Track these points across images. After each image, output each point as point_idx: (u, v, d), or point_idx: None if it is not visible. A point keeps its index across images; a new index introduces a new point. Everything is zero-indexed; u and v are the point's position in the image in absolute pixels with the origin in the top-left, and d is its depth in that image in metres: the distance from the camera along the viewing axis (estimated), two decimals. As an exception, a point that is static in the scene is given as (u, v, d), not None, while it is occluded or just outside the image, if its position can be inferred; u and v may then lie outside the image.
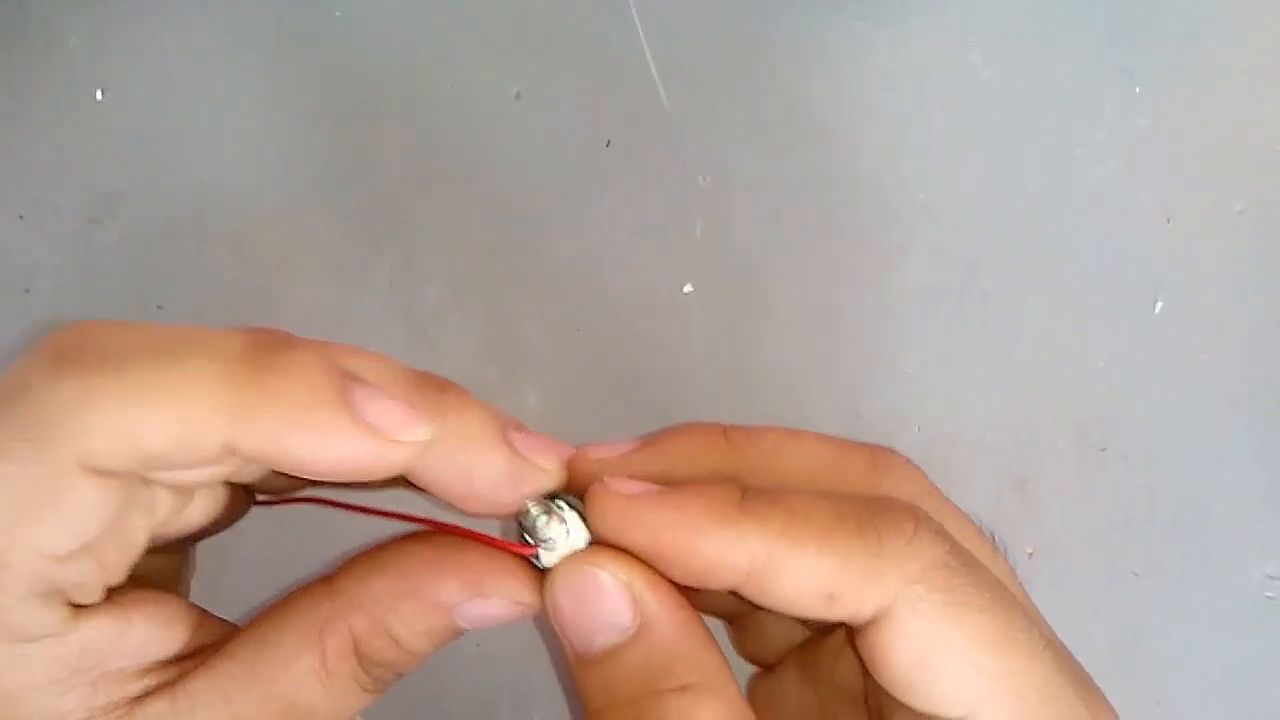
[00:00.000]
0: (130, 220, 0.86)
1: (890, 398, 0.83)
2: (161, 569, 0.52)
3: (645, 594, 0.47)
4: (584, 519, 0.48)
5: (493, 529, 0.49)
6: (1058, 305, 0.85)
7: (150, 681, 0.46)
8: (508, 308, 0.84)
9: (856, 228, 0.85)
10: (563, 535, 0.48)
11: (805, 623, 0.56)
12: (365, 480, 0.46)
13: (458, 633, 0.48)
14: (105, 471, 0.42)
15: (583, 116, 0.87)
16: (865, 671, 0.52)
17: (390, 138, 0.87)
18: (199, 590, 0.55)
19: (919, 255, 0.85)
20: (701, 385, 0.83)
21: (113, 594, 0.46)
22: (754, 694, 0.57)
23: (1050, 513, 0.82)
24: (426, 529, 0.50)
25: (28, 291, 0.85)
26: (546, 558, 0.48)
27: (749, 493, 0.47)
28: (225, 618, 0.50)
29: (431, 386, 0.47)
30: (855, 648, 0.51)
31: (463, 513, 0.49)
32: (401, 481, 0.48)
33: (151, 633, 0.46)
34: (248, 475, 0.48)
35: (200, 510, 0.51)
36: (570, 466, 0.50)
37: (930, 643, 0.45)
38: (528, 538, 0.48)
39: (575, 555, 0.48)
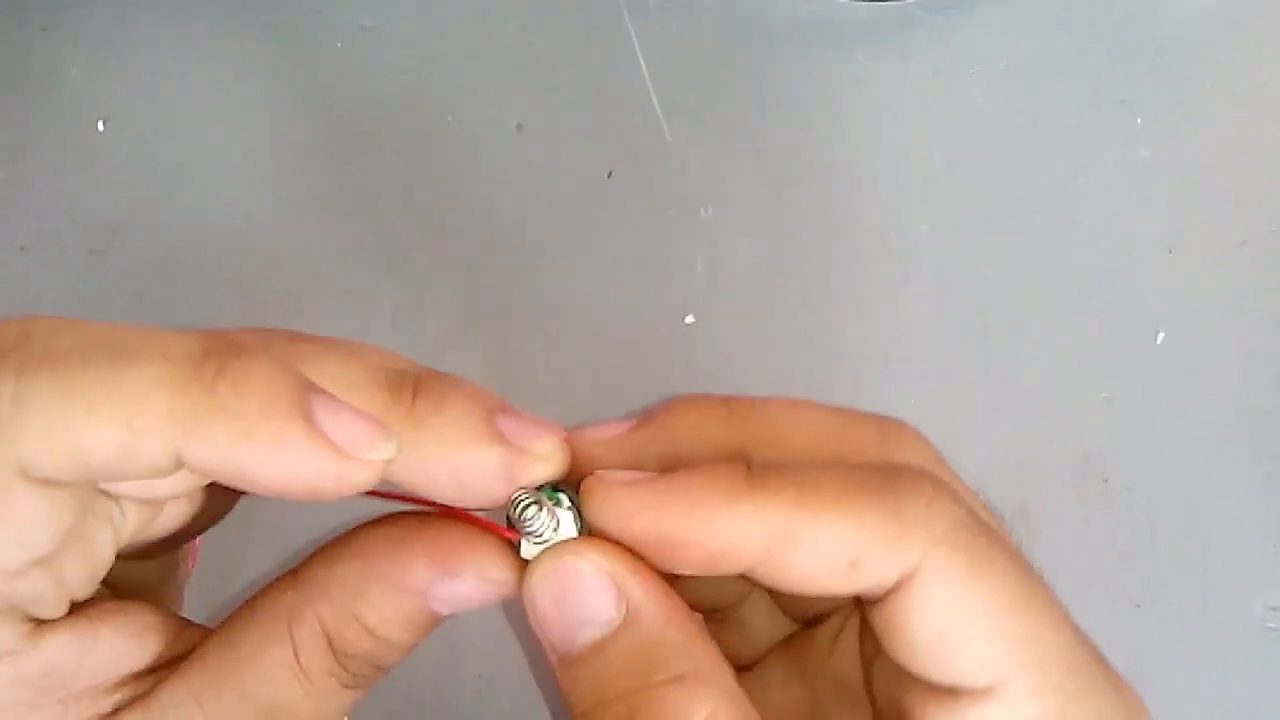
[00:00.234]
0: (132, 252, 0.86)
1: (892, 430, 0.83)
2: (143, 575, 0.51)
3: (629, 582, 0.44)
4: (577, 511, 0.46)
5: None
6: (1059, 336, 0.85)
7: (123, 695, 0.44)
8: (509, 340, 0.84)
9: (858, 260, 0.85)
10: (550, 528, 0.45)
11: (793, 614, 0.56)
12: (321, 499, 0.42)
13: (436, 619, 0.45)
14: (47, 481, 0.39)
15: (585, 148, 0.87)
16: (868, 658, 0.51)
17: (392, 170, 0.87)
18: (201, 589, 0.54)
19: (920, 287, 0.85)
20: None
21: (78, 607, 0.44)
22: None
23: (1051, 544, 0.82)
24: (404, 511, 0.47)
25: (29, 323, 0.85)
26: (527, 549, 0.45)
27: (755, 468, 0.45)
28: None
29: (404, 389, 0.45)
30: (867, 624, 0.50)
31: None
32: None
33: (121, 645, 0.44)
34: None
35: (176, 514, 0.48)
36: (571, 446, 0.47)
37: (956, 606, 0.43)
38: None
39: (554, 547, 0.45)
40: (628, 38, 0.87)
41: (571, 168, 0.87)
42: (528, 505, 0.45)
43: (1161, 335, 0.85)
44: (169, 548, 0.51)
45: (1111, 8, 0.89)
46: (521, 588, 0.45)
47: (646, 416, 0.51)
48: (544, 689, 0.49)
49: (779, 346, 0.84)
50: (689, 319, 0.84)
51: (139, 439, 0.39)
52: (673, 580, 0.46)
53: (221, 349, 0.41)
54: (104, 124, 0.87)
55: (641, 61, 0.87)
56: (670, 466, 0.48)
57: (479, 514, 0.47)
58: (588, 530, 0.46)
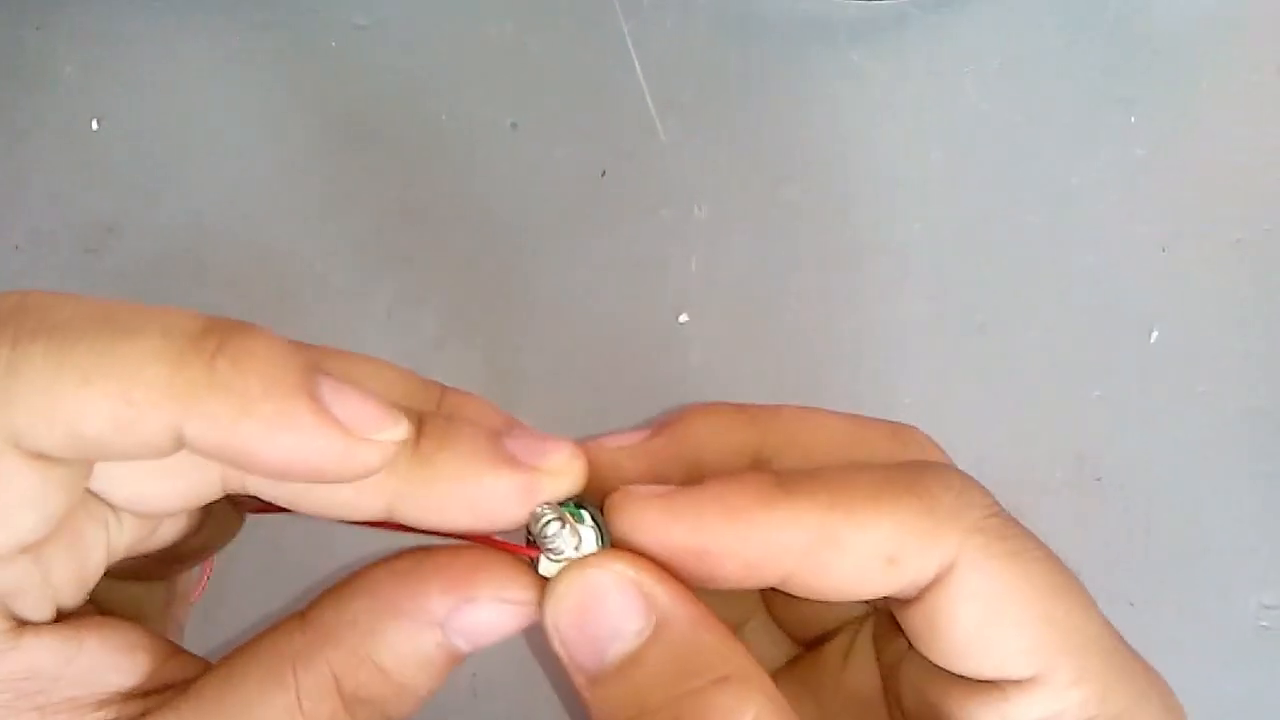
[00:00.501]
0: (127, 250, 0.86)
1: (886, 429, 0.83)
2: (141, 601, 0.50)
3: (656, 589, 0.43)
4: (600, 527, 0.45)
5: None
6: (1054, 335, 0.85)
7: (106, 715, 0.42)
8: (504, 338, 0.84)
9: (852, 259, 0.85)
10: (572, 545, 0.44)
11: (796, 636, 0.56)
12: (327, 481, 0.41)
13: (455, 656, 0.44)
14: (41, 455, 0.39)
15: (578, 147, 0.87)
16: (889, 666, 0.51)
17: (386, 168, 0.87)
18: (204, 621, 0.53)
19: (915, 285, 0.85)
20: (697, 415, 0.83)
21: (66, 616, 0.43)
22: None
23: (1046, 543, 0.82)
24: (418, 546, 0.45)
25: (24, 321, 0.84)
26: (547, 567, 0.44)
27: (782, 475, 0.45)
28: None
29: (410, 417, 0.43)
30: (887, 633, 0.50)
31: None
32: (394, 525, 0.45)
33: (107, 659, 0.43)
34: (210, 491, 0.44)
35: (173, 529, 0.48)
36: (588, 459, 0.46)
37: (998, 595, 0.43)
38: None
39: (575, 562, 0.44)
40: (621, 36, 0.87)
41: (565, 166, 0.87)
42: (549, 522, 0.44)
43: (1156, 334, 0.85)
44: (166, 570, 0.51)
45: (1106, 6, 0.89)
46: (542, 608, 0.44)
47: (661, 425, 0.50)
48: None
49: (773, 345, 0.84)
50: (683, 317, 0.84)
51: (136, 413, 0.38)
52: None
53: (223, 325, 0.40)
54: (99, 123, 0.87)
55: (635, 60, 0.87)
56: (691, 473, 0.48)
57: (497, 536, 0.45)
58: (610, 544, 0.45)
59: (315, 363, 0.41)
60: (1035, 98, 0.88)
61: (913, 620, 0.45)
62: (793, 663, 0.55)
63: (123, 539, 0.45)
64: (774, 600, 0.56)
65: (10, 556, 0.40)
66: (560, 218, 0.86)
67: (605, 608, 0.44)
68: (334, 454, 0.40)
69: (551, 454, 0.44)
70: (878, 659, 0.52)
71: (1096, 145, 0.87)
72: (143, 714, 0.43)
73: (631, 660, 0.43)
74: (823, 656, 0.54)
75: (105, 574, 0.45)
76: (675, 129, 0.87)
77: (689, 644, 0.43)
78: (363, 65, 0.88)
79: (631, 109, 0.87)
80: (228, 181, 0.87)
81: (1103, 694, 0.44)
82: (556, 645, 0.44)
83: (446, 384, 0.83)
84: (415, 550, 0.45)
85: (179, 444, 0.39)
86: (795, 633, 0.55)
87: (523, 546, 0.45)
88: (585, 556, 0.44)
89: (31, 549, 0.41)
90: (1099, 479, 0.83)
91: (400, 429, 0.42)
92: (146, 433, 0.38)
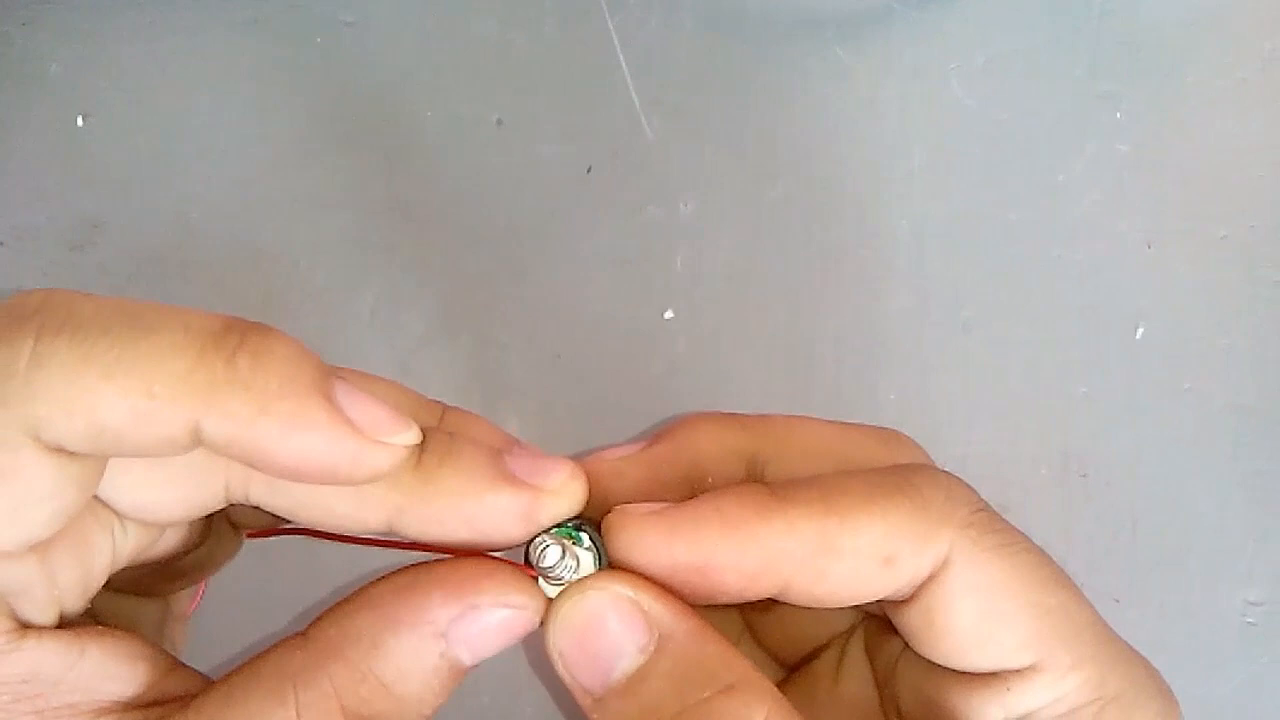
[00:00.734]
0: (112, 247, 0.85)
1: (870, 424, 0.83)
2: (136, 617, 0.51)
3: (656, 606, 0.44)
4: (599, 548, 0.45)
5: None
6: (1039, 332, 0.85)
7: None
8: (490, 335, 0.84)
9: (838, 255, 0.85)
10: (570, 569, 0.45)
11: (782, 658, 0.56)
12: (337, 482, 0.42)
13: (458, 669, 0.44)
14: (59, 449, 0.39)
15: (564, 144, 0.87)
16: (884, 673, 0.51)
17: (371, 165, 0.86)
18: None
19: (901, 282, 0.85)
20: (683, 411, 0.83)
21: (69, 624, 0.43)
22: None
23: (1032, 539, 0.82)
24: (420, 561, 0.45)
25: (9, 319, 0.84)
26: (550, 590, 0.45)
27: (776, 485, 0.46)
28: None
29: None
30: (879, 639, 0.50)
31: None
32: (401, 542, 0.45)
33: (108, 667, 0.43)
34: (214, 499, 0.45)
35: (175, 538, 0.48)
36: (587, 472, 0.47)
37: (993, 586, 0.44)
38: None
39: (573, 585, 0.45)
40: (607, 33, 0.87)
41: (551, 163, 0.87)
42: (547, 548, 0.44)
43: (1141, 330, 0.85)
44: (165, 585, 0.52)
45: (1091, 3, 0.89)
46: (546, 632, 0.45)
47: (658, 434, 0.51)
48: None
49: (758, 342, 0.84)
50: (668, 314, 0.84)
51: (155, 406, 0.39)
52: None
53: (243, 325, 0.41)
54: (84, 119, 0.87)
55: (621, 57, 0.87)
56: (689, 478, 0.49)
57: (497, 556, 0.46)
58: (609, 564, 0.46)
59: (329, 366, 0.42)
60: (1021, 94, 0.88)
61: (910, 620, 0.46)
62: (783, 684, 0.55)
63: (127, 546, 0.45)
64: (757, 625, 0.56)
65: (19, 554, 0.41)
66: (546, 215, 0.86)
67: (607, 628, 0.44)
68: (346, 454, 0.41)
69: (551, 473, 0.45)
70: (871, 667, 0.52)
71: (1082, 141, 0.87)
72: None
73: (637, 677, 0.44)
74: (813, 674, 0.54)
75: (105, 586, 0.46)
76: (661, 126, 0.87)
77: (693, 656, 0.44)
78: (348, 62, 0.88)
79: (618, 106, 0.87)
80: (213, 178, 0.86)
81: (1100, 677, 0.45)
82: (560, 669, 0.45)
83: (432, 381, 0.84)
84: (416, 565, 0.45)
85: (196, 440, 0.40)
86: (781, 655, 0.56)
87: (522, 565, 0.45)
88: (584, 579, 0.45)
89: (39, 548, 0.41)
90: (1085, 475, 0.83)
91: (411, 433, 0.42)
92: (165, 426, 0.39)
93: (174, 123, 0.87)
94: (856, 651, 0.53)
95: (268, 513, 0.46)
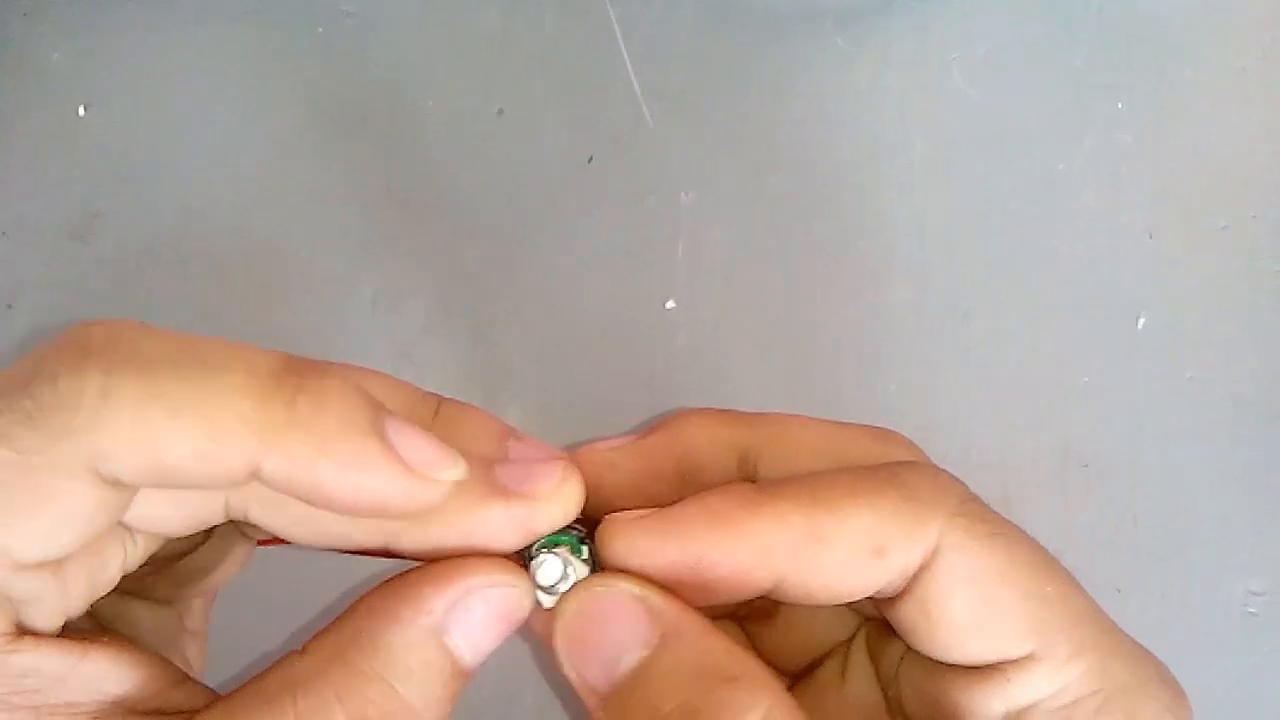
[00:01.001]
0: (113, 237, 0.85)
1: (871, 416, 0.83)
2: (148, 627, 0.51)
3: (660, 602, 0.44)
4: (592, 553, 0.46)
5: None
6: (1039, 322, 0.85)
7: None
8: (490, 325, 0.84)
9: (839, 246, 0.85)
10: (566, 577, 0.45)
11: (786, 666, 0.56)
12: (389, 517, 0.44)
13: (460, 667, 0.44)
14: (112, 480, 0.40)
15: (565, 133, 0.87)
16: (887, 674, 0.51)
17: (372, 155, 0.86)
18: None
19: (901, 273, 0.85)
20: (683, 402, 0.83)
21: (73, 629, 0.44)
22: None
23: (1032, 530, 0.82)
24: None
25: (10, 308, 0.84)
26: (546, 600, 0.45)
27: (763, 482, 0.47)
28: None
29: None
30: (881, 641, 0.50)
31: None
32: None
33: (111, 670, 0.43)
34: (214, 515, 0.46)
35: (181, 542, 0.49)
36: (580, 465, 0.47)
37: (985, 576, 0.44)
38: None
39: (579, 583, 0.45)
40: (608, 23, 0.87)
41: (552, 153, 0.87)
42: (542, 561, 0.45)
43: (1142, 320, 0.85)
44: (175, 590, 0.52)
45: (1092, -8, 0.89)
46: (553, 635, 0.45)
47: (651, 428, 0.51)
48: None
49: (759, 332, 0.84)
50: (669, 304, 0.84)
51: (218, 446, 0.40)
52: None
53: (301, 366, 0.42)
54: (85, 109, 0.87)
55: (622, 47, 0.87)
56: (682, 470, 0.50)
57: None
58: (602, 570, 0.46)
59: (380, 403, 0.43)
60: (1021, 84, 0.88)
61: (905, 615, 0.46)
62: (792, 687, 0.55)
63: (136, 556, 0.46)
64: (759, 635, 0.56)
65: (34, 568, 0.41)
66: (547, 205, 0.86)
67: (613, 625, 0.45)
68: (399, 492, 0.42)
69: (544, 479, 0.46)
70: (875, 671, 0.52)
71: (1083, 132, 0.87)
72: None
73: (643, 670, 0.44)
74: (817, 681, 0.54)
75: (114, 589, 0.46)
76: (662, 116, 0.87)
77: (697, 650, 0.44)
78: (349, 52, 0.88)
79: (619, 96, 0.87)
80: (214, 169, 0.86)
81: (1102, 667, 0.45)
82: (567, 669, 0.45)
83: (433, 370, 0.84)
84: (409, 569, 0.46)
85: (253, 477, 0.41)
86: (784, 665, 0.56)
87: (519, 561, 0.46)
88: (588, 578, 0.45)
89: (55, 562, 0.42)
90: (1086, 466, 0.83)
91: (459, 470, 0.43)
92: (226, 465, 0.40)
93: (175, 113, 0.87)
94: (860, 657, 0.53)
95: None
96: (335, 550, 0.47)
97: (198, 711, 0.43)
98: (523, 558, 0.46)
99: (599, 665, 0.44)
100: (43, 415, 0.39)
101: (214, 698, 0.44)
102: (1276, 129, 0.87)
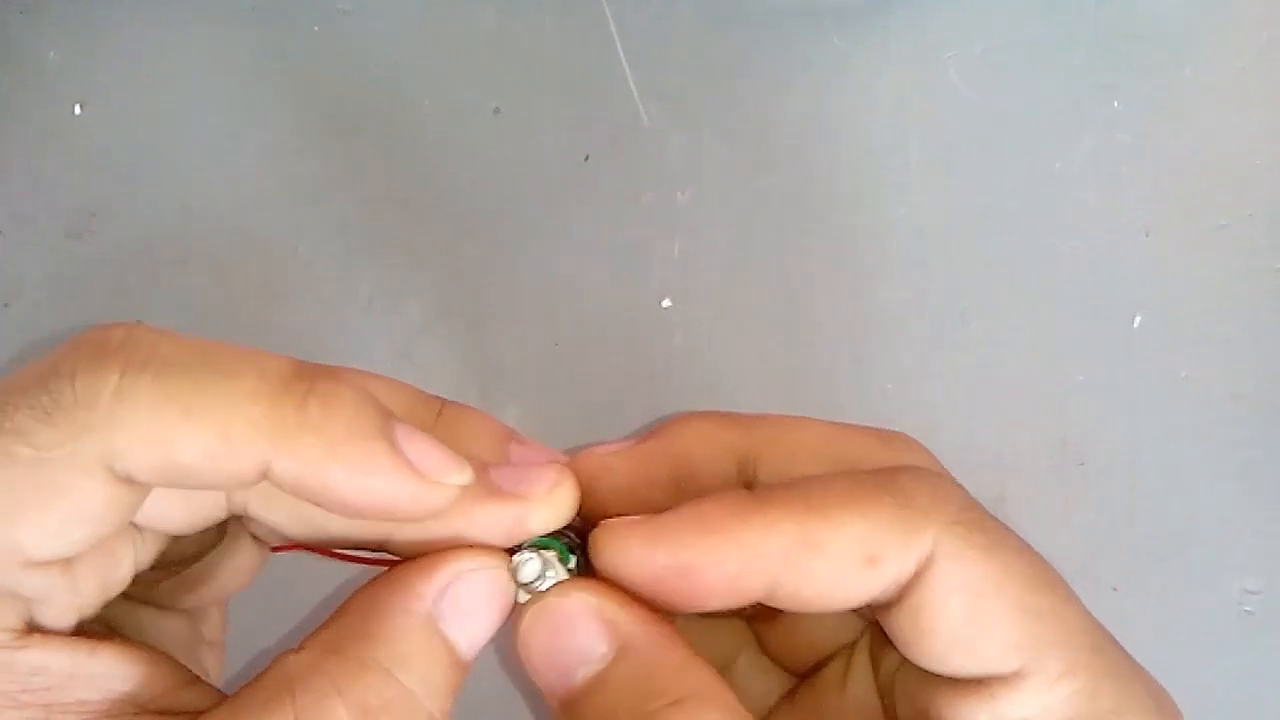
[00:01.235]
0: (110, 236, 0.85)
1: (868, 415, 0.83)
2: (161, 634, 0.51)
3: (618, 614, 0.45)
4: (580, 556, 0.46)
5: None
6: (1036, 321, 0.85)
7: None
8: (487, 324, 0.84)
9: (835, 244, 0.85)
10: (548, 578, 0.46)
11: (789, 666, 0.56)
12: (396, 519, 0.44)
13: (456, 657, 0.44)
14: (125, 478, 0.40)
15: (562, 132, 0.87)
16: (885, 682, 0.51)
17: (369, 154, 0.87)
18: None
19: (898, 272, 0.85)
20: (680, 400, 0.83)
21: (84, 630, 0.44)
22: None
23: (1029, 528, 0.81)
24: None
25: (7, 306, 0.84)
26: (524, 598, 0.46)
27: (758, 487, 0.47)
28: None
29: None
30: (880, 646, 0.50)
31: None
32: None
33: (120, 669, 0.43)
34: (215, 513, 0.46)
35: (188, 544, 0.49)
36: (577, 469, 0.47)
37: (977, 588, 0.43)
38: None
39: (541, 592, 0.46)
40: (605, 21, 0.87)
41: (549, 151, 0.87)
42: (526, 562, 0.46)
43: (1139, 319, 0.85)
44: (185, 594, 0.52)
45: (1089, -9, 0.89)
46: (516, 638, 0.46)
47: (649, 433, 0.51)
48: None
49: (756, 331, 0.84)
50: (666, 302, 0.84)
51: (230, 447, 0.40)
52: None
53: (311, 371, 0.43)
54: (81, 107, 0.87)
55: (619, 45, 0.87)
56: (679, 475, 0.49)
57: None
58: (592, 573, 0.46)
59: (389, 409, 0.43)
60: (1019, 83, 0.88)
61: (897, 623, 0.45)
62: (790, 694, 0.55)
63: (145, 555, 0.46)
64: (766, 635, 0.56)
65: (45, 565, 0.41)
66: (544, 203, 0.86)
67: (571, 634, 0.45)
68: (406, 495, 0.42)
69: (538, 482, 0.46)
70: (874, 676, 0.52)
71: (1080, 131, 0.87)
72: None
73: (596, 682, 0.44)
74: (820, 683, 0.54)
75: (123, 594, 0.47)
76: (659, 114, 0.87)
77: (650, 667, 0.44)
78: (346, 50, 0.88)
79: (615, 94, 0.87)
80: (211, 167, 0.86)
81: (1093, 688, 0.44)
82: (531, 673, 0.46)
83: (431, 368, 0.84)
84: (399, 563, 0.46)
85: (263, 478, 0.41)
86: (789, 665, 0.56)
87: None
88: (552, 586, 0.46)
89: (66, 560, 0.42)
90: (1082, 464, 0.84)
91: (465, 474, 0.44)
92: (237, 465, 0.41)
93: (172, 111, 0.87)
94: (862, 660, 0.53)
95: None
96: (331, 549, 0.48)
97: (203, 712, 0.43)
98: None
99: (557, 673, 0.45)
100: (60, 412, 0.39)
101: (222, 699, 0.44)
102: (1274, 128, 0.87)
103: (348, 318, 0.84)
